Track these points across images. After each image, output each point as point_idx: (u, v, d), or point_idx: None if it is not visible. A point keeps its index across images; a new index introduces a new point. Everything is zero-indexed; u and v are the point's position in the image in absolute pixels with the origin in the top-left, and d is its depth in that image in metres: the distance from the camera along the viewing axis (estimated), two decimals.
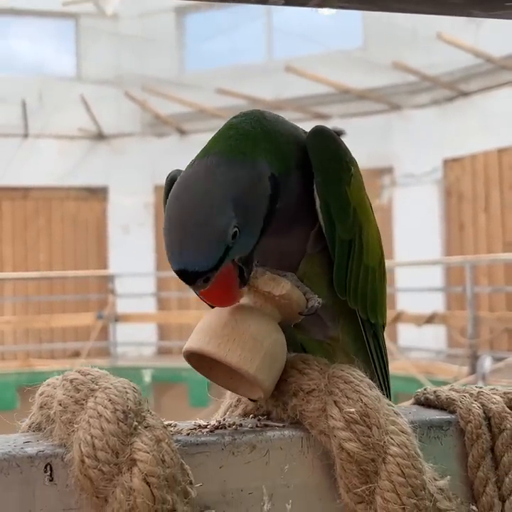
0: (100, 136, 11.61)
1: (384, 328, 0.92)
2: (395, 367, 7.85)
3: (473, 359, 7.49)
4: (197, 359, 0.77)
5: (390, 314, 8.43)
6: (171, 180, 0.88)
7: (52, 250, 11.57)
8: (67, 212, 11.65)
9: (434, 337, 9.29)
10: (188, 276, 0.72)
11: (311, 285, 0.82)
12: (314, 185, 0.81)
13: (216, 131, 0.82)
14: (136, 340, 10.52)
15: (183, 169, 0.85)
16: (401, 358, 8.19)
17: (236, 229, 0.73)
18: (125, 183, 11.40)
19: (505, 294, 9.19)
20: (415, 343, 9.05)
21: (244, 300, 0.81)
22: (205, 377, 0.79)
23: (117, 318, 10.24)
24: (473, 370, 7.36)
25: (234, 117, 0.83)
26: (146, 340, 10.96)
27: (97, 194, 11.69)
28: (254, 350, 0.75)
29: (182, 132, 11.47)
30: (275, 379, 0.77)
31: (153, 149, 11.46)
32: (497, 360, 7.57)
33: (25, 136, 11.39)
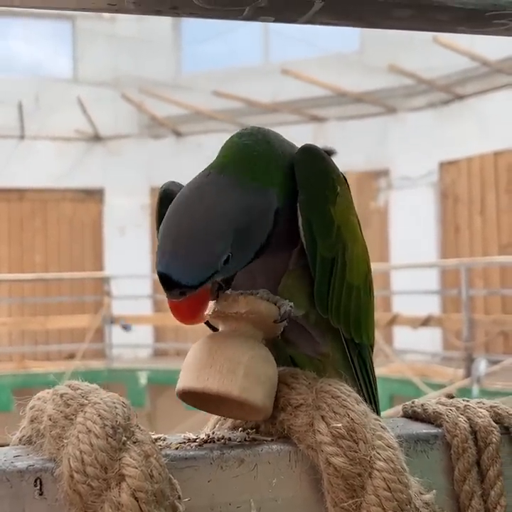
0: (97, 138, 11.61)
1: (372, 348, 0.92)
2: (391, 370, 7.87)
3: (469, 362, 7.51)
4: (192, 398, 0.77)
5: (385, 317, 8.47)
6: (165, 192, 0.88)
7: (48, 252, 11.57)
8: (63, 214, 11.65)
9: (430, 340, 9.30)
10: (169, 283, 0.73)
11: (293, 299, 0.82)
12: (298, 203, 0.82)
13: (226, 146, 0.82)
14: (132, 342, 10.52)
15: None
16: (396, 361, 8.21)
17: (229, 255, 0.74)
18: (121, 185, 11.41)
19: (501, 297, 9.21)
20: (411, 346, 9.07)
21: (221, 328, 0.81)
22: (209, 412, 0.79)
23: (113, 320, 10.24)
24: (468, 373, 7.38)
25: (245, 134, 0.83)
26: (141, 342, 10.96)
27: (93, 196, 11.69)
28: (232, 371, 0.74)
29: (178, 134, 11.48)
30: (267, 394, 0.76)
31: (149, 151, 11.47)
32: (492, 363, 7.59)
33: (22, 137, 11.39)
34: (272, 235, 0.79)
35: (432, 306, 9.11)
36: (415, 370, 8.00)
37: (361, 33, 10.30)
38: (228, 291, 0.81)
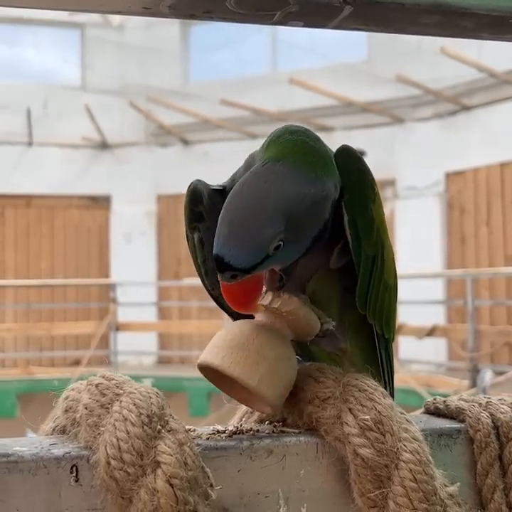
0: (104, 145, 11.66)
1: (392, 341, 0.95)
2: (395, 379, 7.85)
3: (474, 372, 7.50)
4: (211, 373, 0.80)
5: None
6: (194, 190, 0.91)
7: (54, 258, 11.61)
8: (69, 221, 11.69)
9: (435, 350, 9.29)
10: (221, 265, 0.75)
11: (321, 302, 0.85)
12: (343, 202, 0.84)
13: (280, 140, 0.83)
14: (137, 349, 10.54)
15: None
16: (401, 371, 8.20)
17: (281, 243, 0.76)
18: (128, 192, 11.44)
19: (507, 308, 9.21)
20: (416, 356, 9.06)
21: (257, 318, 0.83)
22: (222, 391, 0.81)
23: (118, 327, 10.26)
24: (473, 384, 7.37)
25: (295, 132, 0.84)
26: (146, 349, 10.97)
27: (100, 203, 11.73)
28: (256, 362, 0.76)
29: (186, 142, 11.52)
30: (282, 392, 0.78)
31: (156, 159, 11.51)
32: (497, 373, 7.57)
33: (30, 144, 11.44)
34: (328, 227, 0.81)
35: (437, 316, 9.11)
36: (420, 380, 7.99)
37: (369, 43, 10.35)
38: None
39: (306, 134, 0.84)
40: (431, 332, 8.15)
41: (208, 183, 0.92)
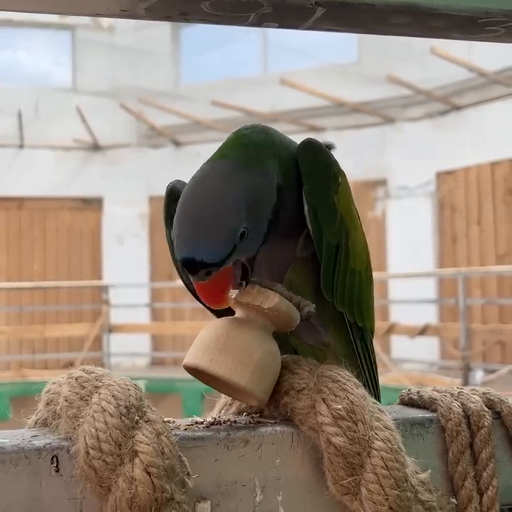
0: (95, 147, 11.66)
1: (372, 332, 0.96)
2: (388, 378, 7.88)
3: (466, 371, 7.53)
4: (197, 372, 0.81)
5: (383, 326, 8.49)
6: (171, 190, 0.93)
7: (46, 260, 11.60)
8: (61, 223, 11.68)
9: (427, 349, 9.33)
10: (194, 265, 0.77)
11: (298, 291, 0.86)
12: (303, 192, 0.87)
13: (226, 140, 0.88)
14: (130, 350, 10.54)
15: (179, 179, 0.91)
16: (394, 370, 8.23)
17: (245, 230, 0.79)
18: (120, 194, 11.45)
19: (498, 307, 9.25)
20: (408, 355, 9.09)
21: (238, 314, 0.84)
22: (208, 386, 0.83)
23: (111, 329, 10.26)
24: (465, 382, 7.40)
25: (244, 129, 0.89)
26: (139, 350, 10.97)
27: (92, 205, 11.73)
28: (244, 362, 0.78)
29: (177, 144, 11.54)
30: (269, 387, 0.80)
31: (148, 160, 11.52)
32: (489, 372, 7.61)
33: (21, 146, 11.44)
34: (279, 213, 0.84)
35: (429, 315, 9.14)
36: (413, 379, 8.02)
37: (359, 44, 10.38)
38: (251, 284, 0.84)
39: (254, 129, 0.88)
40: (423, 331, 8.19)
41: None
